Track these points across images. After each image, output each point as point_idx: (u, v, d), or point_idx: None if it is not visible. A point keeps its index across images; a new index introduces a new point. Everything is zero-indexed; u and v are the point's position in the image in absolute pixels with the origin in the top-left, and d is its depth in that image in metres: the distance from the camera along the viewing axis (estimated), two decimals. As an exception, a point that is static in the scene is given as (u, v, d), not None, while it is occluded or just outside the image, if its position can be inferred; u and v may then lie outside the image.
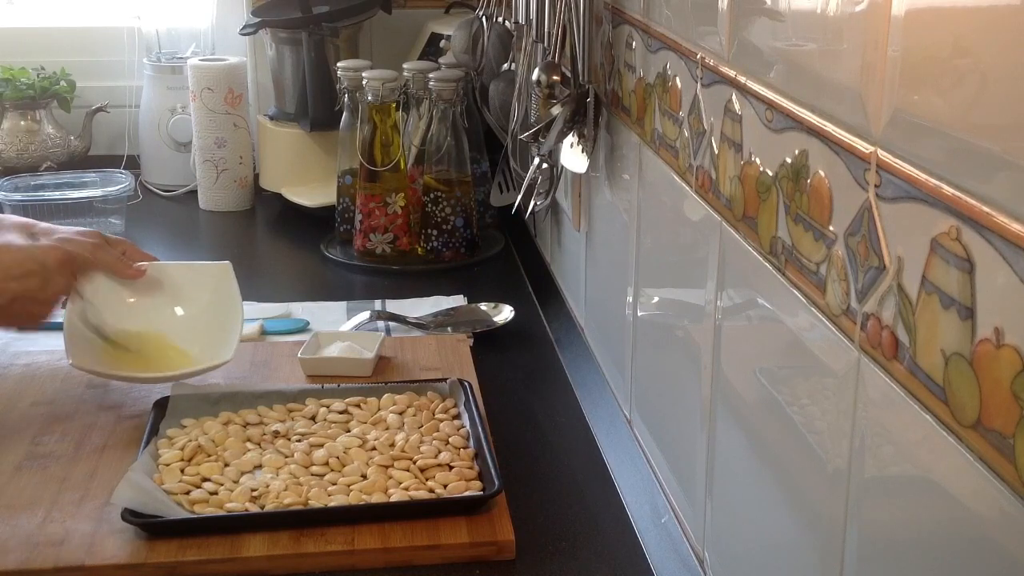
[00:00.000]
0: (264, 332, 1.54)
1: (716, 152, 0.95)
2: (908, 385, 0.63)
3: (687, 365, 1.05)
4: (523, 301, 1.65)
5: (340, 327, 1.52)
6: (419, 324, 1.55)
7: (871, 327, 0.67)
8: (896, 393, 0.64)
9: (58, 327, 1.47)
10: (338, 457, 1.17)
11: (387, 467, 1.15)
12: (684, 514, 1.08)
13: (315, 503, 1.09)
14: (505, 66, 1.69)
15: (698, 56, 1.00)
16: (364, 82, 1.76)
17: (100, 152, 2.28)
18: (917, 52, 0.62)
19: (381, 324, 1.54)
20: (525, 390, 1.42)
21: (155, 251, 1.93)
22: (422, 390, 1.31)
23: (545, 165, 1.43)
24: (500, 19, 1.70)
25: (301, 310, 1.61)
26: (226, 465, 1.16)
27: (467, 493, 1.11)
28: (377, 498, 1.10)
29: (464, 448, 1.18)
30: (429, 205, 1.80)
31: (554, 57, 1.37)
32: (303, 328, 1.55)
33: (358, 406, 1.28)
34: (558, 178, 1.47)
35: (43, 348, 1.44)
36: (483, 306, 1.60)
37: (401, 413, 1.26)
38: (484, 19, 1.74)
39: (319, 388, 1.32)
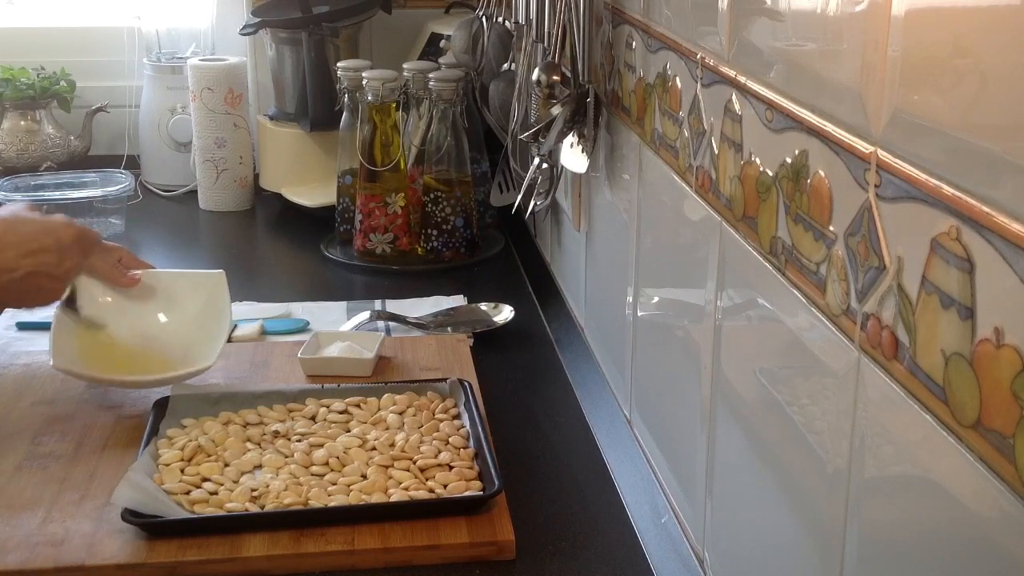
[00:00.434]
0: (264, 332, 1.54)
1: (716, 152, 0.95)
2: (908, 385, 0.63)
3: (687, 365, 1.05)
4: (523, 301, 1.65)
5: (340, 327, 1.52)
6: (419, 324, 1.55)
7: (871, 327, 0.67)
8: (896, 393, 0.64)
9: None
10: (338, 457, 1.17)
11: (387, 467, 1.15)
12: (684, 514, 1.08)
13: (315, 503, 1.09)
14: (505, 66, 1.69)
15: (698, 56, 1.00)
16: (364, 82, 1.76)
17: (100, 152, 2.28)
18: (917, 52, 0.62)
19: (381, 324, 1.54)
20: (525, 390, 1.42)
21: (155, 251, 1.94)
22: (422, 390, 1.31)
23: (545, 165, 1.43)
24: (500, 19, 1.70)
25: (301, 310, 1.61)
26: (226, 465, 1.16)
27: (467, 493, 1.11)
28: (377, 498, 1.10)
29: (464, 448, 1.18)
30: (429, 205, 1.80)
31: (554, 57, 1.37)
32: (303, 328, 1.55)
33: (358, 406, 1.28)
34: (558, 178, 1.47)
35: (43, 348, 1.43)
36: (483, 306, 1.60)
37: (401, 413, 1.26)
38: (484, 19, 1.74)
39: (319, 388, 1.32)
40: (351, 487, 1.12)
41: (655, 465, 1.18)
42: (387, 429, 1.22)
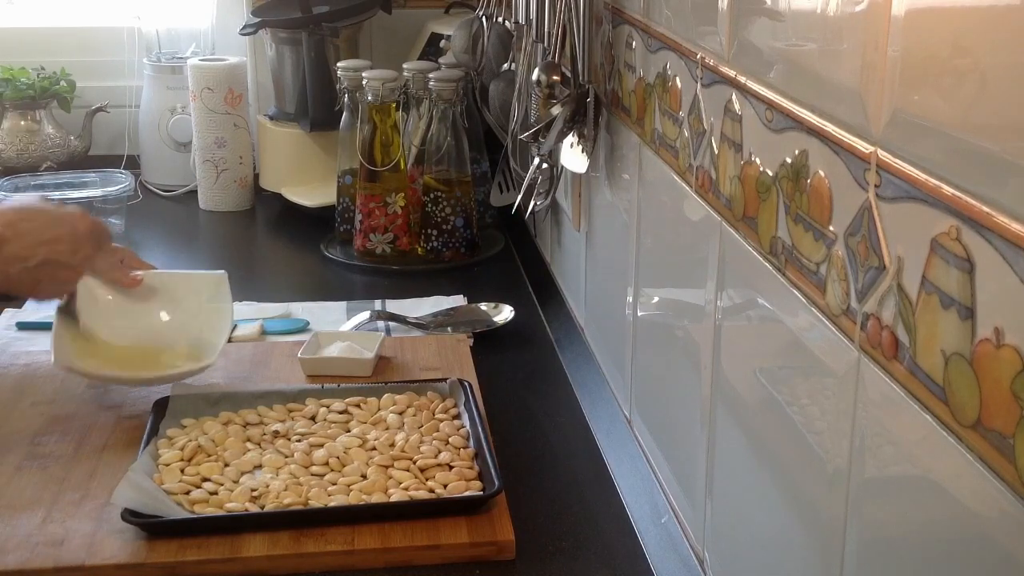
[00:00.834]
0: (264, 332, 1.54)
1: (716, 152, 0.96)
2: (908, 385, 0.63)
3: (687, 365, 1.05)
4: (523, 301, 1.65)
5: (340, 327, 1.52)
6: (419, 324, 1.55)
7: (871, 327, 0.67)
8: (896, 393, 0.64)
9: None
10: (338, 457, 1.17)
11: (387, 467, 1.15)
12: (684, 514, 1.08)
13: (315, 503, 1.09)
14: (505, 66, 1.69)
15: (698, 56, 1.00)
16: (364, 82, 1.76)
17: (100, 152, 2.28)
18: (917, 52, 0.62)
19: (381, 324, 1.54)
20: (525, 390, 1.42)
21: (155, 251, 1.94)
22: (422, 390, 1.31)
23: (545, 165, 1.43)
24: (500, 19, 1.70)
25: (301, 310, 1.61)
26: (226, 465, 1.16)
27: (467, 493, 1.11)
28: (377, 498, 1.10)
29: (464, 448, 1.18)
30: (429, 205, 1.80)
31: (554, 57, 1.37)
32: (303, 328, 1.55)
33: (358, 406, 1.28)
34: (558, 178, 1.47)
35: (43, 348, 1.43)
36: (483, 306, 1.60)
37: (401, 413, 1.26)
38: (484, 19, 1.74)
39: (319, 388, 1.32)
40: (351, 487, 1.12)
41: (655, 465, 1.18)
42: (387, 429, 1.22)
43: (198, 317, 1.40)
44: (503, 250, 1.88)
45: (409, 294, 1.67)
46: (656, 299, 1.20)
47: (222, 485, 1.12)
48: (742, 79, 0.89)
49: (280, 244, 2.03)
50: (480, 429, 1.20)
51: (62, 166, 2.18)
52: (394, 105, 1.78)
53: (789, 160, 0.79)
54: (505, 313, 1.57)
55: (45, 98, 2.21)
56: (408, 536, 1.06)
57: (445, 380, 1.32)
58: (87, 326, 1.33)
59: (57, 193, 1.97)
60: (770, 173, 0.83)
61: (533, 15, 1.46)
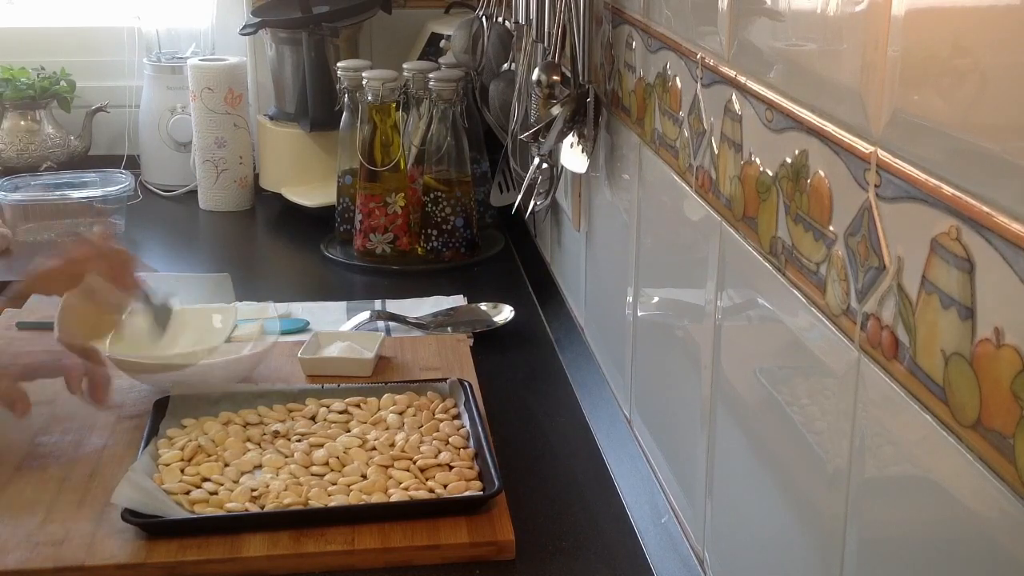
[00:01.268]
0: (264, 332, 1.53)
1: (716, 152, 0.96)
2: (908, 385, 0.63)
3: (687, 365, 1.05)
4: (523, 301, 1.65)
5: (340, 327, 1.52)
6: (419, 324, 1.55)
7: (871, 327, 0.67)
8: (896, 393, 0.64)
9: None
10: (338, 457, 1.17)
11: (387, 467, 1.15)
12: (684, 514, 1.08)
13: (315, 503, 1.09)
14: (505, 66, 1.69)
15: (698, 56, 1.00)
16: (364, 82, 1.76)
17: (100, 152, 2.28)
18: (917, 52, 0.62)
19: (381, 324, 1.54)
20: (525, 390, 1.42)
21: (155, 251, 1.94)
22: (422, 390, 1.31)
23: (545, 165, 1.43)
24: (500, 19, 1.70)
25: (301, 310, 1.61)
26: (226, 465, 1.16)
27: (467, 493, 1.11)
28: (377, 498, 1.10)
29: (464, 448, 1.18)
30: (429, 205, 1.80)
31: (554, 57, 1.37)
32: (303, 328, 1.55)
33: (358, 406, 1.28)
34: (558, 178, 1.47)
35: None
36: (483, 306, 1.60)
37: (401, 413, 1.26)
38: (484, 19, 1.74)
39: (319, 388, 1.32)
40: (351, 487, 1.12)
41: (655, 465, 1.18)
42: (387, 429, 1.22)
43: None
44: (503, 250, 1.88)
45: (409, 294, 1.67)
46: (656, 299, 1.20)
47: (222, 485, 1.12)
48: (742, 79, 0.89)
49: (280, 244, 2.03)
50: (480, 429, 1.20)
51: (62, 166, 2.18)
52: (394, 105, 1.78)
53: (789, 160, 0.79)
54: (505, 313, 1.57)
55: (45, 98, 2.21)
56: (408, 536, 1.06)
57: (445, 380, 1.32)
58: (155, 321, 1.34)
59: (57, 193, 1.97)
60: (770, 173, 0.83)
61: (533, 15, 1.46)
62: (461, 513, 1.08)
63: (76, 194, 1.97)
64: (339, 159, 1.88)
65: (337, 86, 1.88)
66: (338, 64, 1.86)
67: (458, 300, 1.64)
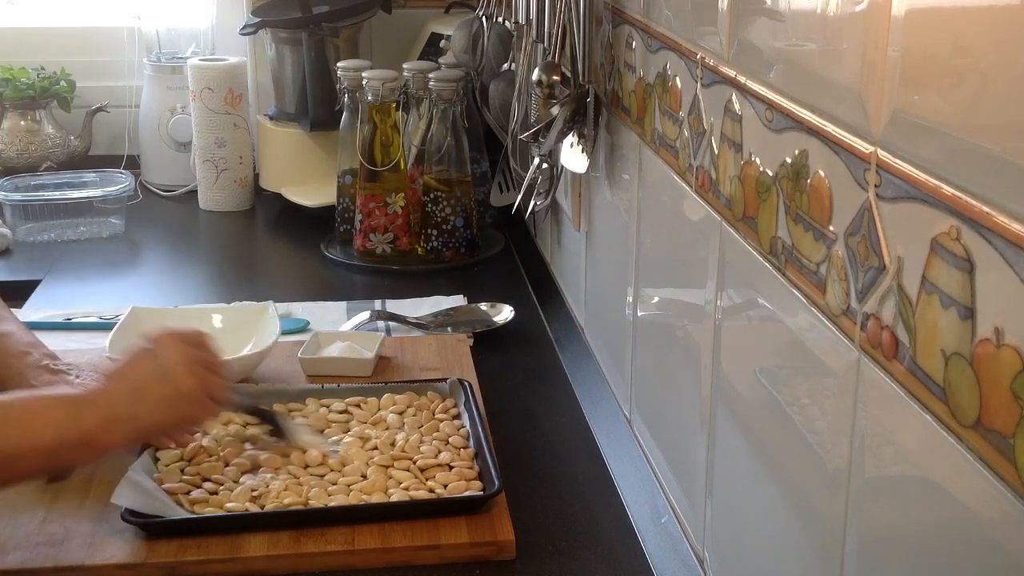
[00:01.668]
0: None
1: (716, 152, 0.95)
2: (908, 385, 0.63)
3: (687, 365, 1.05)
4: (523, 301, 1.65)
5: (340, 327, 1.52)
6: (419, 324, 1.55)
7: (871, 327, 0.67)
8: (896, 393, 0.64)
9: (61, 326, 1.48)
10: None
11: (387, 467, 1.15)
12: (684, 514, 1.08)
13: (315, 503, 1.09)
14: (505, 66, 1.69)
15: (698, 56, 1.00)
16: (364, 82, 1.76)
17: (100, 152, 2.28)
18: (917, 52, 0.62)
19: (381, 324, 1.54)
20: (525, 390, 1.42)
21: (155, 251, 1.94)
22: (422, 390, 1.31)
23: (545, 165, 1.43)
24: (500, 19, 1.70)
25: (301, 310, 1.61)
26: (226, 465, 1.16)
27: (467, 493, 1.11)
28: (377, 498, 1.10)
29: (464, 448, 1.18)
30: (429, 205, 1.80)
31: (554, 57, 1.37)
32: (303, 328, 1.55)
33: (358, 406, 1.28)
34: (558, 178, 1.47)
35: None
36: (483, 306, 1.60)
37: (401, 413, 1.26)
38: (484, 19, 1.74)
39: (319, 388, 1.32)
40: (351, 487, 1.12)
41: (655, 465, 1.18)
42: (387, 429, 1.22)
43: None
44: (503, 250, 1.88)
45: (409, 294, 1.67)
46: (656, 299, 1.20)
47: (222, 485, 1.12)
48: (742, 79, 0.89)
49: (280, 244, 2.03)
50: (480, 429, 1.20)
51: (62, 166, 2.18)
52: (394, 105, 1.78)
53: (789, 160, 0.79)
54: (505, 313, 1.57)
55: (45, 98, 2.21)
56: (408, 536, 1.06)
57: (445, 380, 1.32)
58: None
59: (57, 193, 1.97)
60: (770, 173, 0.83)
61: (533, 15, 1.46)
62: (461, 513, 1.08)
63: (76, 194, 1.97)
64: (339, 159, 1.88)
65: (337, 86, 1.88)
66: (338, 64, 1.86)
67: (458, 300, 1.64)
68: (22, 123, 2.20)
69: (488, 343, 1.52)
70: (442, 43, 1.98)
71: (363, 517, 1.08)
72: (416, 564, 1.05)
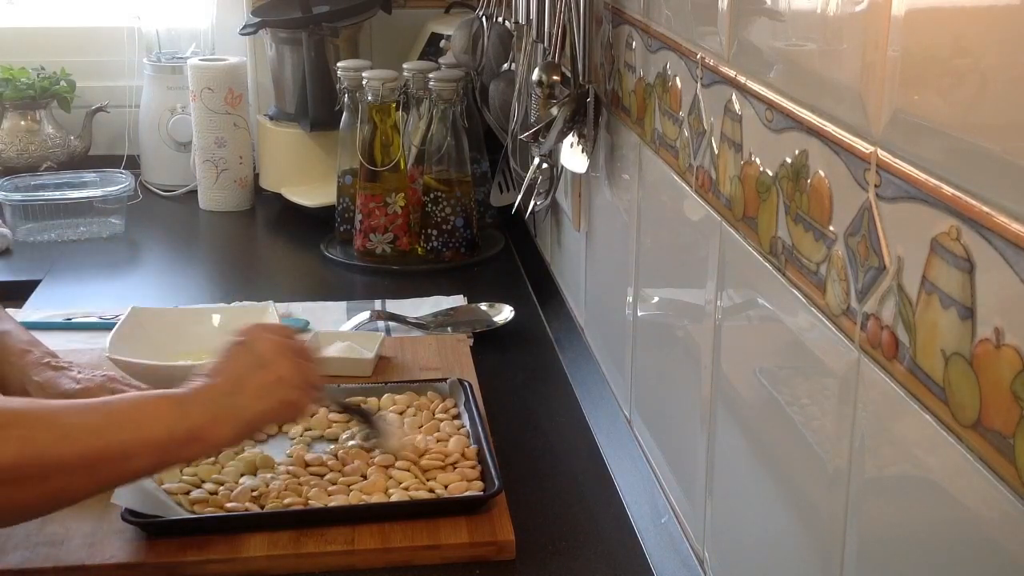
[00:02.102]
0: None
1: (716, 152, 0.96)
2: (908, 385, 0.63)
3: (687, 365, 1.05)
4: (523, 301, 1.65)
5: (340, 327, 1.52)
6: (419, 324, 1.55)
7: (871, 327, 0.67)
8: (896, 393, 0.64)
9: (61, 326, 1.48)
10: (338, 457, 1.17)
11: (387, 467, 1.15)
12: (684, 514, 1.08)
13: (315, 503, 1.09)
14: (505, 66, 1.69)
15: (698, 56, 1.00)
16: (364, 82, 1.76)
17: (100, 152, 2.28)
18: (917, 52, 0.62)
19: (381, 324, 1.54)
20: (525, 390, 1.42)
21: (155, 251, 1.94)
22: (422, 390, 1.31)
23: (545, 165, 1.43)
24: (500, 19, 1.70)
25: (301, 310, 1.61)
26: (224, 466, 1.16)
27: (467, 493, 1.11)
28: (377, 498, 1.10)
29: (466, 448, 1.18)
30: (429, 205, 1.80)
31: (554, 57, 1.37)
32: (303, 328, 1.55)
33: (358, 406, 1.28)
34: (558, 178, 1.47)
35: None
36: (483, 306, 1.60)
37: (401, 413, 1.26)
38: (484, 19, 1.74)
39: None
40: (351, 487, 1.12)
41: (655, 465, 1.18)
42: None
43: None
44: (503, 250, 1.88)
45: (409, 294, 1.67)
46: (656, 299, 1.20)
47: (222, 485, 1.12)
48: (742, 79, 0.89)
49: (280, 244, 2.03)
50: (480, 429, 1.20)
51: (62, 166, 2.18)
52: (394, 105, 1.78)
53: (789, 160, 0.79)
54: (505, 313, 1.57)
55: (45, 98, 2.21)
56: (408, 536, 1.06)
57: (445, 380, 1.32)
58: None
59: (57, 193, 1.97)
60: (770, 173, 0.83)
61: (533, 15, 1.46)
62: (461, 513, 1.08)
63: (76, 194, 1.97)
64: (339, 159, 1.88)
65: (337, 86, 1.88)
66: (338, 64, 1.86)
67: (458, 300, 1.64)
68: (22, 123, 2.20)
69: (488, 343, 1.52)
70: (442, 43, 1.98)
71: (363, 517, 1.08)
72: (416, 564, 1.05)
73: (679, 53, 1.05)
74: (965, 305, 0.57)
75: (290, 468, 1.15)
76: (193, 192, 2.14)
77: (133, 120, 2.27)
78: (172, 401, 1.00)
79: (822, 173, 0.74)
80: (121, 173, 2.04)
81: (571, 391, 1.42)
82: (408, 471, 1.14)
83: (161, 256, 1.94)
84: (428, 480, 1.13)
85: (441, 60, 1.89)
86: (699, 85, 1.00)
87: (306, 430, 1.23)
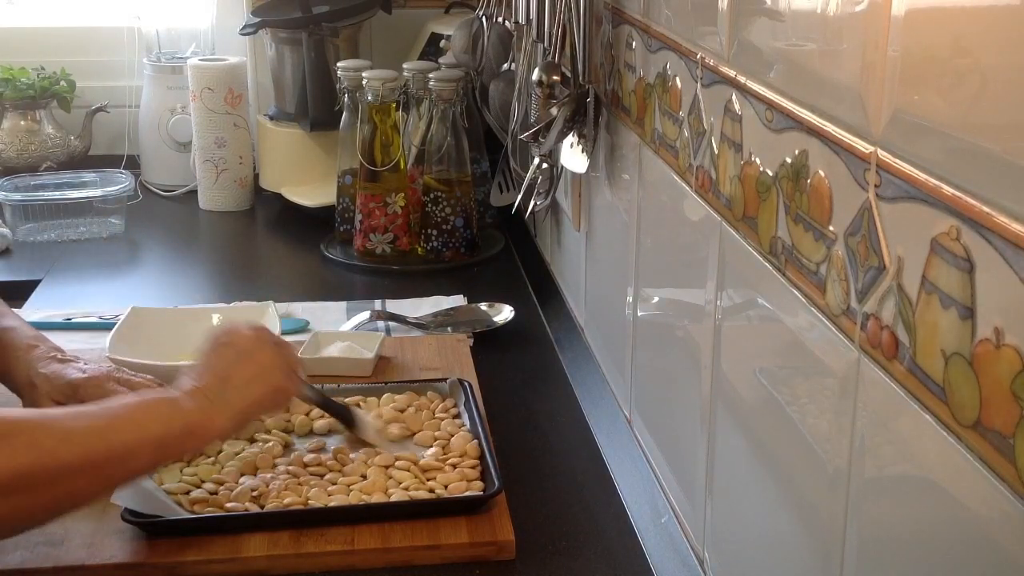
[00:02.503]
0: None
1: (716, 152, 0.96)
2: (908, 385, 0.63)
3: (687, 365, 1.05)
4: (523, 301, 1.65)
5: (340, 327, 1.52)
6: (419, 324, 1.55)
7: (871, 327, 0.67)
8: (896, 393, 0.64)
9: (61, 326, 1.48)
10: (338, 457, 1.17)
11: (387, 467, 1.15)
12: (684, 514, 1.08)
13: (315, 503, 1.09)
14: (505, 66, 1.69)
15: (698, 56, 1.00)
16: (364, 82, 1.76)
17: (100, 152, 2.28)
18: (917, 52, 0.62)
19: (381, 324, 1.54)
20: (525, 390, 1.42)
21: (155, 251, 1.94)
22: (422, 390, 1.31)
23: (545, 165, 1.43)
24: (500, 19, 1.70)
25: (301, 310, 1.61)
26: (223, 467, 1.16)
27: (467, 493, 1.11)
28: (377, 498, 1.10)
29: (469, 444, 1.18)
30: (429, 205, 1.80)
31: (554, 57, 1.37)
32: (303, 328, 1.55)
33: (358, 406, 1.28)
34: (558, 178, 1.47)
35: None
36: (483, 306, 1.60)
37: (402, 412, 1.26)
38: (484, 19, 1.74)
39: (319, 388, 1.31)
40: (351, 487, 1.12)
41: (655, 465, 1.18)
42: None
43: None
44: (503, 250, 1.88)
45: (409, 294, 1.67)
46: (656, 299, 1.20)
47: (222, 485, 1.12)
48: (742, 79, 0.89)
49: (280, 244, 2.03)
50: (480, 429, 1.20)
51: (62, 166, 2.18)
52: (394, 105, 1.78)
53: (789, 160, 0.79)
54: (505, 313, 1.57)
55: (45, 98, 2.21)
56: (408, 536, 1.06)
57: (445, 380, 1.32)
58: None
59: (57, 193, 1.97)
60: (770, 173, 0.83)
61: (533, 15, 1.46)
62: (461, 513, 1.08)
63: (76, 194, 1.97)
64: (339, 159, 1.88)
65: (337, 86, 1.88)
66: (338, 64, 1.86)
67: (458, 300, 1.64)
68: (22, 123, 2.20)
69: (488, 343, 1.52)
70: (442, 43, 1.98)
71: (363, 517, 1.08)
72: (416, 564, 1.05)
73: (679, 53, 1.05)
74: (965, 305, 0.57)
75: (290, 468, 1.15)
76: (193, 192, 2.14)
77: (133, 120, 2.27)
78: (164, 401, 1.03)
79: (822, 173, 0.74)
80: (121, 173, 2.04)
81: (571, 391, 1.42)
82: (408, 471, 1.14)
83: (161, 256, 1.94)
84: (428, 480, 1.13)
85: (441, 60, 1.89)
86: (699, 85, 1.00)
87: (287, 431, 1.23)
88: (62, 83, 2.24)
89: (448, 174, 1.79)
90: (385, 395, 1.29)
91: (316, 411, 1.26)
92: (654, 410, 1.20)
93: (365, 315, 1.55)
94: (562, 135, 1.34)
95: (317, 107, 2.01)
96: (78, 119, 2.24)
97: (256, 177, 2.14)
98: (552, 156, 1.41)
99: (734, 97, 0.91)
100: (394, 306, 1.62)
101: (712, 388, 0.98)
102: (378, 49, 2.18)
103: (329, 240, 1.89)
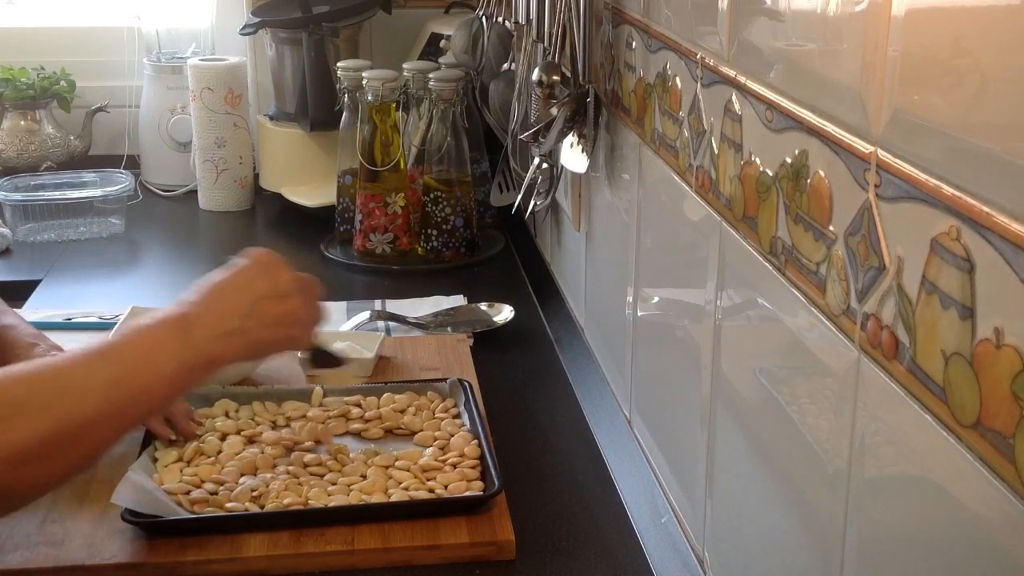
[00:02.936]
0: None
1: (716, 152, 0.96)
2: (908, 385, 0.63)
3: (687, 365, 1.05)
4: (523, 301, 1.65)
5: (340, 327, 1.52)
6: (419, 324, 1.55)
7: (871, 327, 0.67)
8: (896, 393, 0.64)
9: (61, 326, 1.48)
10: (337, 457, 1.17)
11: (387, 467, 1.15)
12: (684, 514, 1.08)
13: (315, 503, 1.09)
14: (505, 66, 1.69)
15: (698, 56, 1.00)
16: (364, 82, 1.76)
17: (100, 152, 2.28)
18: (917, 52, 0.62)
19: (381, 324, 1.54)
20: (525, 390, 1.42)
21: (155, 251, 1.94)
22: (422, 390, 1.31)
23: (545, 165, 1.43)
24: (500, 19, 1.70)
25: (301, 310, 1.61)
26: (223, 466, 1.16)
27: (467, 493, 1.11)
28: (377, 498, 1.10)
29: (469, 444, 1.18)
30: (429, 205, 1.80)
31: (554, 57, 1.37)
32: (303, 328, 1.54)
33: (358, 406, 1.28)
34: (558, 178, 1.47)
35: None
36: (483, 306, 1.60)
37: (402, 412, 1.26)
38: (484, 19, 1.74)
39: (319, 388, 1.31)
40: (351, 487, 1.12)
41: (655, 465, 1.18)
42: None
43: None
44: (503, 250, 1.88)
45: (409, 294, 1.67)
46: (656, 299, 1.20)
47: (222, 485, 1.12)
48: (742, 79, 0.89)
49: (280, 244, 2.03)
50: (480, 429, 1.20)
51: (62, 166, 2.18)
52: (394, 105, 1.78)
53: (789, 160, 0.79)
54: (505, 313, 1.57)
55: (45, 98, 2.21)
56: (408, 536, 1.06)
57: (445, 380, 1.32)
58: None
59: (57, 193, 1.97)
60: (770, 173, 0.83)
61: (533, 15, 1.46)
62: (461, 513, 1.09)
63: (76, 194, 1.97)
64: (339, 159, 1.88)
65: (337, 86, 1.88)
66: (338, 64, 1.86)
67: (458, 300, 1.64)
68: (22, 123, 2.20)
69: (488, 343, 1.52)
70: (442, 43, 1.98)
71: (363, 517, 1.08)
72: (416, 564, 1.05)
73: (679, 53, 1.05)
74: (965, 305, 0.57)
75: (290, 468, 1.15)
76: (193, 192, 2.14)
77: (133, 120, 2.27)
78: (174, 328, 1.00)
79: (822, 173, 0.74)
80: (121, 173, 2.04)
81: (571, 391, 1.42)
82: (408, 471, 1.14)
83: (161, 256, 1.94)
84: (428, 480, 1.13)
85: (441, 60, 1.89)
86: (699, 85, 1.00)
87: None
88: (62, 83, 2.24)
89: (448, 174, 1.79)
90: (385, 395, 1.29)
91: (317, 415, 1.26)
92: (654, 410, 1.20)
93: (365, 315, 1.55)
94: (562, 135, 1.34)
95: (317, 107, 2.01)
96: (78, 119, 2.24)
97: (256, 177, 2.14)
98: (552, 156, 1.41)
99: (734, 97, 0.91)
100: (394, 306, 1.62)
101: (712, 388, 0.98)
102: (378, 49, 2.18)
103: (329, 240, 1.89)
